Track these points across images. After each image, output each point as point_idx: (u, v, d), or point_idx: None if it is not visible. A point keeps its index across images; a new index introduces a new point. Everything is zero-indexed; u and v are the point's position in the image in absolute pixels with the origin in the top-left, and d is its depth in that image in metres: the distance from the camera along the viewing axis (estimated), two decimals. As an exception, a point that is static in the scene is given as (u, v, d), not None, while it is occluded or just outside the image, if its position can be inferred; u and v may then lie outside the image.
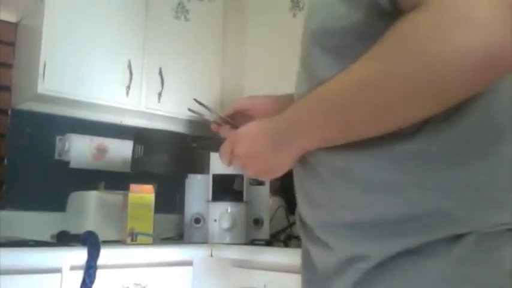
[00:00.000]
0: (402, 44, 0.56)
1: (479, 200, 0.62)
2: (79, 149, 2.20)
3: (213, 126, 0.95)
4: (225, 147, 0.78)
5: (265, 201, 2.13)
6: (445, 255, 0.61)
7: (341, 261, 0.69)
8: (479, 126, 0.63)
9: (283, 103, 0.84)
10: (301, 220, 0.81)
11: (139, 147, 1.16)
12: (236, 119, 0.94)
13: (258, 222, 2.13)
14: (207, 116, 0.97)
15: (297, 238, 1.81)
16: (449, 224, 0.61)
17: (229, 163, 0.79)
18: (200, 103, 0.99)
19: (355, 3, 0.64)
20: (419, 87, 0.56)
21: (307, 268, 0.80)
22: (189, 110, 1.04)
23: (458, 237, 0.61)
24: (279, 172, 0.75)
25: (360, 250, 0.66)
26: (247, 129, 0.76)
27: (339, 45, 0.68)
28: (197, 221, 2.13)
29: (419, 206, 0.62)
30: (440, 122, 0.62)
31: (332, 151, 0.68)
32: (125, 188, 1.93)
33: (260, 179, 0.76)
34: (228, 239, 2.06)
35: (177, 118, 2.42)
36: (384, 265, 0.63)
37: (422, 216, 0.62)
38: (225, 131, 0.94)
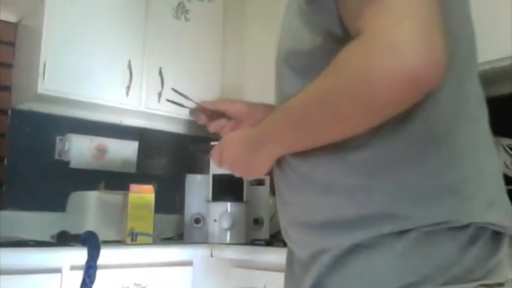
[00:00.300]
0: (340, 69, 0.66)
1: (420, 200, 0.69)
2: (79, 149, 2.20)
3: (190, 112, 1.07)
4: (214, 151, 0.91)
5: (265, 201, 2.13)
6: (389, 249, 0.68)
7: (307, 257, 0.77)
8: (420, 134, 0.70)
9: (257, 111, 1.03)
10: None
11: (144, 148, 1.16)
12: (214, 113, 1.07)
13: (258, 222, 2.13)
14: (187, 104, 1.08)
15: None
16: (394, 222, 0.68)
17: (220, 165, 0.91)
18: (178, 92, 1.11)
19: (316, 30, 0.74)
20: (352, 105, 0.65)
21: (288, 264, 0.88)
22: (168, 100, 1.14)
23: (402, 233, 0.68)
24: (259, 173, 0.86)
25: (321, 246, 0.74)
26: (231, 136, 0.89)
27: (304, 65, 0.78)
28: (197, 221, 2.14)
29: (368, 207, 0.70)
30: (388, 131, 0.69)
31: (299, 157, 0.78)
32: (125, 188, 1.93)
33: (246, 178, 0.90)
34: (228, 239, 2.06)
35: (177, 118, 2.42)
36: (340, 258, 0.71)
37: (370, 216, 0.70)
38: (201, 119, 1.06)
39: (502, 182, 0.77)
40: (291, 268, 0.86)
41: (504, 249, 0.72)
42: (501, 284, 0.70)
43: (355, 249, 0.70)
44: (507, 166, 1.60)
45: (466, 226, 0.68)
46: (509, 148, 1.62)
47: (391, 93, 0.61)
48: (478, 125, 0.76)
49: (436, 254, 0.67)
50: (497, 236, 0.71)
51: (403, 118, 0.68)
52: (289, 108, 0.75)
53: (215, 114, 1.05)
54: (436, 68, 0.60)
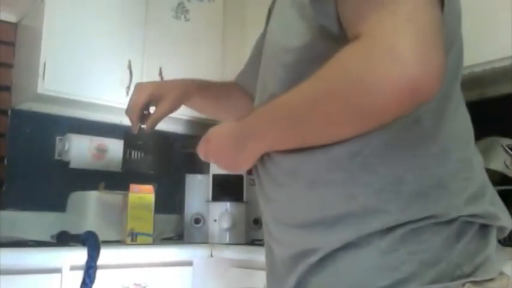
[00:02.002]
0: (336, 71, 0.64)
1: (405, 196, 0.68)
2: (79, 149, 2.20)
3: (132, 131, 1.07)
4: (201, 143, 0.90)
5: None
6: (375, 246, 0.68)
7: (292, 256, 0.76)
8: (408, 128, 0.70)
9: (187, 87, 1.05)
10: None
11: (129, 148, 1.16)
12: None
13: (258, 222, 2.13)
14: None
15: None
16: (379, 219, 0.68)
17: (205, 158, 0.90)
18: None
19: (311, 25, 0.72)
20: (348, 109, 0.64)
21: (269, 263, 0.86)
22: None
23: (388, 231, 0.68)
24: (244, 167, 0.85)
25: (308, 245, 0.73)
26: (217, 129, 0.88)
27: (294, 62, 0.76)
28: (197, 221, 2.14)
29: (353, 203, 0.69)
30: None
31: (284, 153, 0.77)
32: (125, 188, 1.93)
33: (230, 171, 0.89)
34: (228, 239, 2.06)
35: (177, 118, 2.42)
36: (328, 257, 0.71)
37: (356, 212, 0.69)
38: (136, 125, 1.06)
39: (486, 174, 0.78)
40: (272, 267, 0.84)
41: (493, 244, 0.72)
42: (491, 280, 0.70)
43: (342, 248, 0.70)
44: (507, 166, 1.60)
45: (452, 221, 0.68)
46: (509, 148, 1.62)
47: (388, 101, 0.61)
48: (463, 118, 0.77)
49: (422, 250, 0.67)
50: (484, 230, 0.72)
51: None
52: (279, 106, 0.73)
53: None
54: (434, 80, 0.60)
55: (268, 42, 0.85)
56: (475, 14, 1.58)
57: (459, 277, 0.67)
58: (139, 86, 1.07)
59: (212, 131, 0.88)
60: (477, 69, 1.58)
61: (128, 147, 1.13)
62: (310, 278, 0.73)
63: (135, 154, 1.12)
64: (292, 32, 0.75)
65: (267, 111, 0.76)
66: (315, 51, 0.70)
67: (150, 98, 1.03)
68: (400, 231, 0.67)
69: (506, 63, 1.58)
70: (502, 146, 1.63)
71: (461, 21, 0.79)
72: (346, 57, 0.63)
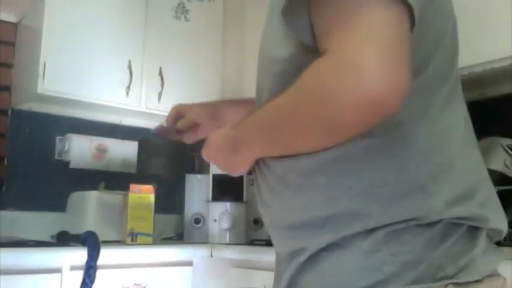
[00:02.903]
0: (306, 85, 0.68)
1: (387, 199, 0.69)
2: (79, 149, 2.20)
3: (154, 135, 1.17)
4: (203, 148, 0.94)
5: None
6: (357, 248, 0.70)
7: (286, 256, 0.80)
8: (389, 133, 0.70)
9: (219, 110, 1.11)
10: None
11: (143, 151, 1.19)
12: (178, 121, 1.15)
13: (258, 222, 2.13)
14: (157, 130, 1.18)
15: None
16: (361, 221, 0.70)
17: (208, 161, 0.96)
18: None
19: (290, 38, 0.75)
20: (316, 121, 0.67)
21: (275, 263, 0.90)
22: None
23: (370, 232, 0.69)
24: (241, 170, 0.89)
25: (298, 245, 0.77)
26: (216, 134, 0.92)
27: (281, 72, 0.79)
28: (197, 221, 2.14)
29: (336, 206, 0.72)
30: None
31: (275, 159, 0.79)
32: (125, 188, 1.93)
33: (229, 174, 0.94)
34: (228, 239, 2.06)
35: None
36: (313, 257, 0.73)
37: (339, 215, 0.71)
38: (172, 137, 1.15)
39: (481, 174, 0.77)
40: (277, 266, 0.88)
41: (480, 246, 0.72)
42: (479, 281, 0.70)
43: (327, 248, 0.72)
44: (507, 166, 1.60)
45: (436, 223, 0.69)
46: (509, 148, 1.62)
47: (352, 114, 0.63)
48: (452, 118, 0.76)
49: (403, 251, 0.68)
50: (473, 232, 0.72)
51: None
52: (263, 114, 0.77)
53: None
54: (398, 94, 0.62)
55: (260, 51, 0.88)
56: (475, 14, 1.58)
57: (442, 278, 0.68)
58: (173, 106, 1.20)
59: (212, 136, 0.93)
60: (477, 69, 1.58)
61: (142, 150, 1.18)
62: (300, 277, 0.76)
63: (149, 157, 1.16)
64: (279, 43, 0.79)
65: (254, 118, 0.80)
66: (299, 63, 0.72)
67: (179, 113, 1.15)
68: (382, 233, 0.69)
69: (506, 63, 1.58)
70: (502, 146, 1.63)
71: (453, 18, 0.79)
72: (315, 71, 0.66)
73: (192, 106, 1.17)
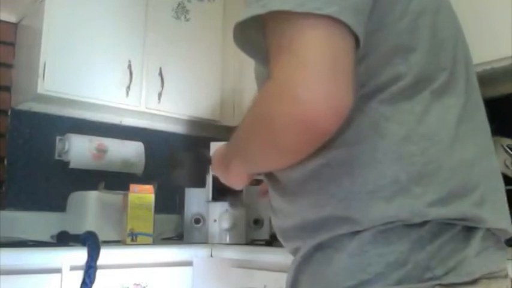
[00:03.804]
0: (251, 110, 0.72)
1: (371, 202, 0.70)
2: (79, 149, 2.20)
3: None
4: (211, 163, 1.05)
5: (265, 201, 2.13)
6: (344, 248, 0.72)
7: (291, 255, 0.84)
8: (370, 138, 0.72)
9: None
10: None
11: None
12: None
13: (258, 222, 2.13)
14: None
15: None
16: (347, 224, 0.71)
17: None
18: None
19: (262, 59, 0.76)
20: (263, 143, 0.71)
21: None
22: None
23: (358, 232, 0.71)
24: (237, 183, 0.97)
25: (295, 245, 0.81)
26: (216, 151, 1.01)
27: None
28: (197, 221, 2.13)
29: (322, 211, 0.74)
30: (337, 135, 0.70)
31: (276, 170, 0.83)
32: (125, 188, 1.93)
33: (231, 187, 1.02)
34: (228, 239, 2.06)
35: (177, 118, 2.42)
36: (307, 256, 0.77)
37: (327, 219, 0.73)
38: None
39: (482, 170, 0.75)
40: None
41: (473, 246, 0.70)
42: (468, 283, 0.69)
43: (319, 248, 0.75)
44: (507, 166, 1.60)
45: (424, 223, 0.68)
46: (509, 148, 1.62)
47: (288, 137, 0.65)
48: (438, 117, 0.73)
49: (388, 252, 0.69)
50: (468, 232, 0.70)
51: (349, 121, 0.69)
52: (235, 134, 0.82)
53: None
54: (331, 111, 0.62)
55: (254, 65, 0.91)
56: (475, 14, 1.58)
57: (430, 279, 0.67)
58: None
59: (214, 153, 1.02)
60: (477, 69, 1.57)
61: (172, 161, 1.23)
62: (300, 275, 0.79)
63: (178, 167, 1.22)
64: (257, 67, 0.83)
65: (232, 137, 0.84)
66: None
67: None
68: (368, 234, 0.70)
69: (506, 63, 1.58)
70: (502, 146, 1.63)
71: (429, 11, 0.76)
72: (257, 99, 0.70)
73: None
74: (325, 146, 0.71)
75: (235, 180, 0.96)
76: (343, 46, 0.64)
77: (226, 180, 0.99)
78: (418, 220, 0.68)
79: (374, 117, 0.71)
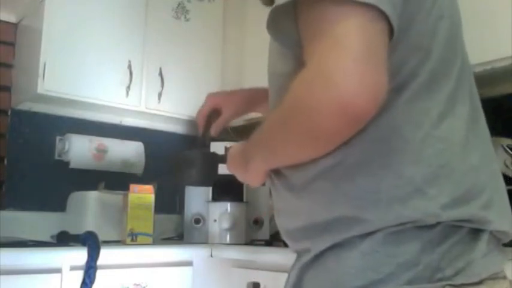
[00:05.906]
0: (288, 98, 0.71)
1: (384, 203, 0.71)
2: (79, 149, 2.20)
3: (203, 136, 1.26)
4: (227, 162, 1.04)
5: (265, 201, 2.13)
6: (357, 248, 0.72)
7: (296, 255, 0.85)
8: (387, 138, 0.72)
9: (251, 95, 1.21)
10: None
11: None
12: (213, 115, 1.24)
13: (258, 222, 2.13)
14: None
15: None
16: (359, 225, 0.72)
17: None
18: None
19: (287, 56, 0.79)
20: (299, 133, 0.70)
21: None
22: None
23: (369, 234, 0.71)
24: (256, 181, 0.96)
25: (303, 246, 0.81)
26: (233, 148, 1.01)
27: (279, 86, 0.84)
28: (197, 221, 2.13)
29: (334, 211, 0.74)
30: (355, 136, 0.71)
31: (284, 168, 0.83)
32: (125, 188, 1.93)
33: (250, 184, 1.02)
34: (228, 239, 2.06)
35: (177, 118, 2.42)
36: (318, 257, 0.77)
37: (338, 219, 0.74)
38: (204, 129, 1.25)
39: (488, 173, 0.77)
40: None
41: (480, 247, 0.72)
42: (474, 284, 0.70)
43: (330, 248, 0.75)
44: (507, 166, 1.60)
45: (435, 225, 0.70)
46: (509, 148, 1.62)
47: (327, 123, 0.65)
48: (450, 120, 0.75)
49: (400, 252, 0.69)
50: (475, 233, 0.72)
51: (368, 123, 0.69)
52: (260, 130, 0.82)
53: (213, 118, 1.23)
54: (370, 97, 0.63)
55: (268, 64, 0.92)
56: (475, 14, 1.58)
57: (440, 280, 0.68)
58: (208, 95, 1.25)
59: (230, 151, 1.02)
60: (477, 69, 1.58)
61: (177, 162, 1.23)
62: (305, 274, 0.79)
63: (184, 169, 1.22)
64: (277, 59, 0.83)
65: (255, 133, 0.85)
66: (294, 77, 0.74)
67: (215, 106, 1.23)
68: (380, 234, 0.70)
69: (506, 63, 1.58)
70: (502, 146, 1.63)
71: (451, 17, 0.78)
72: (295, 85, 0.69)
73: (226, 100, 1.24)
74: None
75: (254, 178, 0.95)
76: (382, 36, 0.65)
77: (243, 178, 1.00)
78: (431, 221, 0.69)
79: (393, 117, 0.72)
